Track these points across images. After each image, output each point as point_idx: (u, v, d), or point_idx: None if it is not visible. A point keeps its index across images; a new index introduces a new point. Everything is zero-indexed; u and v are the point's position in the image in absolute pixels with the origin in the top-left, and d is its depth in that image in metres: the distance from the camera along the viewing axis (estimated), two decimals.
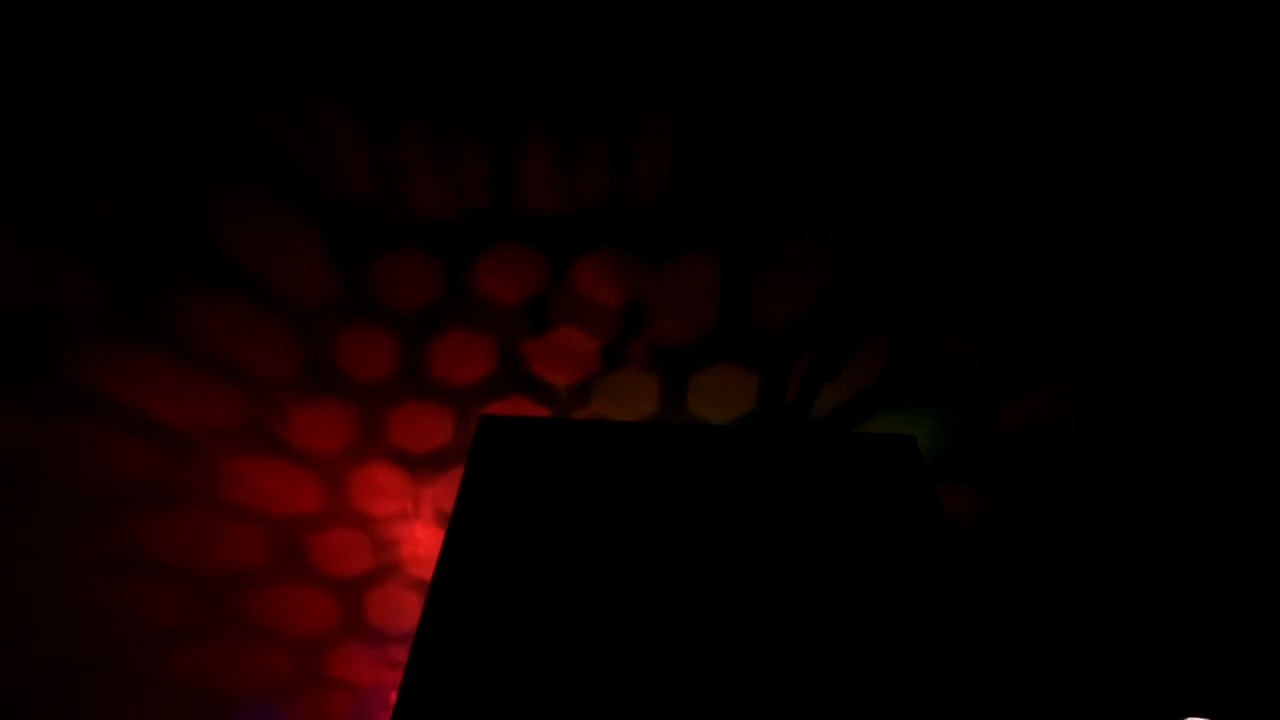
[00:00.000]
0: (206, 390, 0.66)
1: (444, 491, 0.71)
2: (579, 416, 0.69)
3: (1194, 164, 0.57)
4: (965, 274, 0.61)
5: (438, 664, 0.49)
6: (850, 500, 0.56)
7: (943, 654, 0.49)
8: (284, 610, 0.75)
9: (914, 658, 0.48)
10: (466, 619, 0.50)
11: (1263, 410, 0.65)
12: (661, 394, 0.68)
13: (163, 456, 0.68)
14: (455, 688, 0.48)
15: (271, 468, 0.69)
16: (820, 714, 0.46)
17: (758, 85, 0.56)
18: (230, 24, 0.54)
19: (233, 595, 0.74)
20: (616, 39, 0.55)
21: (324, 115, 0.57)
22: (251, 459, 0.69)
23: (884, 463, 0.59)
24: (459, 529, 0.55)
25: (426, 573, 0.75)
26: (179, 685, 0.78)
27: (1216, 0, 0.53)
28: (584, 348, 0.66)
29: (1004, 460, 0.68)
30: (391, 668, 0.79)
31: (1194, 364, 0.63)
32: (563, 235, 0.62)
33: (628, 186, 0.60)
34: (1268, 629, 0.74)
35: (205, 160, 0.58)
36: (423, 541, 0.73)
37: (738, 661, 0.48)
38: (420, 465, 0.70)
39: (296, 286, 0.63)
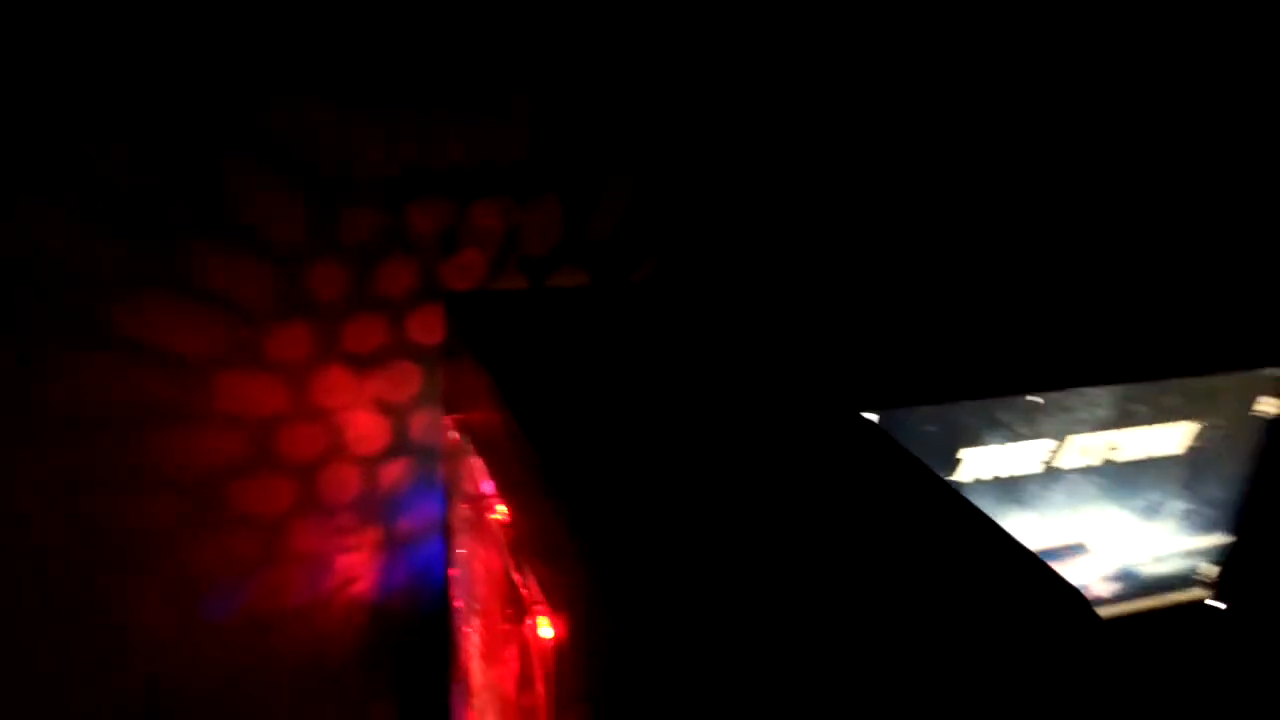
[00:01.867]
0: (203, 320, 0.88)
1: (381, 384, 0.98)
2: None
3: None
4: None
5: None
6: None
7: None
8: (256, 499, 0.97)
9: None
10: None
11: None
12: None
13: (165, 380, 0.89)
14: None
15: (252, 380, 0.92)
16: None
17: (587, 84, 0.93)
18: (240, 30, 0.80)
19: (217, 494, 0.95)
20: (500, 50, 0.89)
21: (305, 105, 0.84)
22: (237, 374, 0.91)
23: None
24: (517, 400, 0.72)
25: (366, 450, 1.01)
26: (169, 578, 0.96)
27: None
28: (478, 262, 0.98)
29: None
30: (338, 533, 1.03)
31: None
32: (465, 186, 0.93)
33: (505, 150, 0.94)
34: None
35: (205, 133, 0.82)
36: (363, 424, 0.99)
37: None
38: (364, 364, 0.97)
39: (277, 232, 0.88)
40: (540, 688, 0.64)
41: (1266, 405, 1.29)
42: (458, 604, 0.88)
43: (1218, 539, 1.36)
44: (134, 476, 0.91)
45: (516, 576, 0.67)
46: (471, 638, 0.84)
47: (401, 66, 0.87)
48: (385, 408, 1.00)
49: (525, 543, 0.68)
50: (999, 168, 1.19)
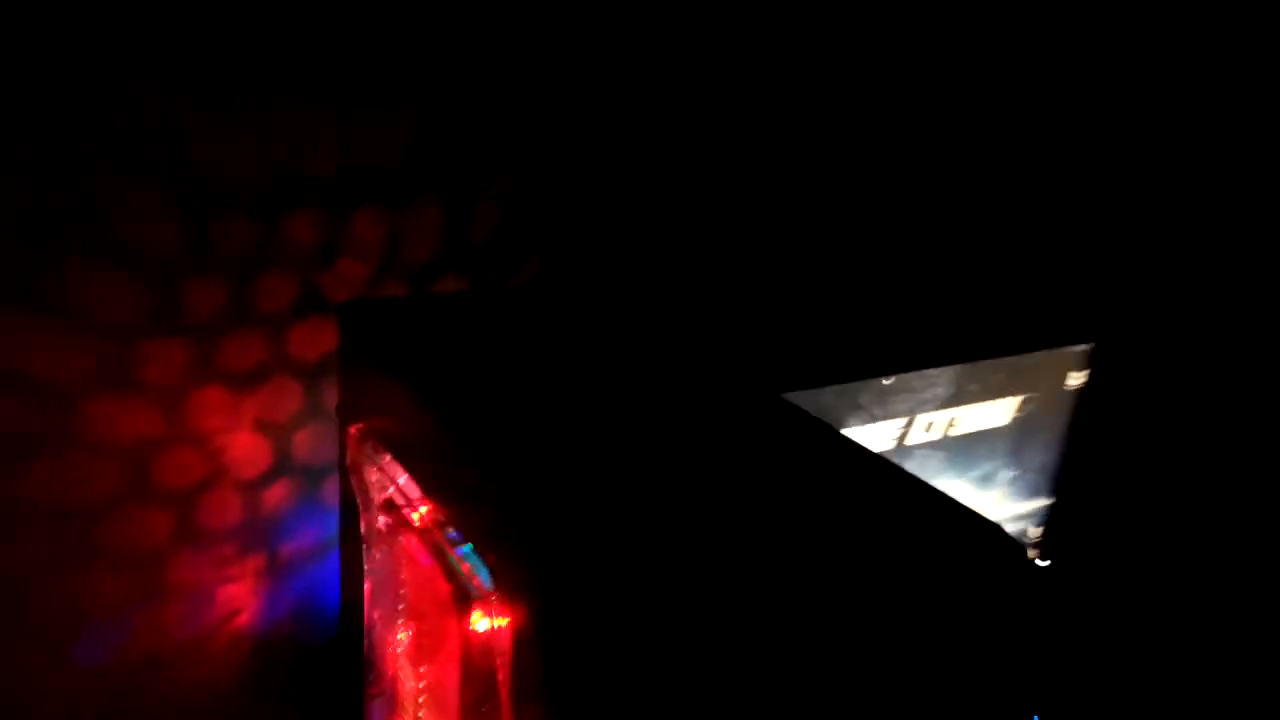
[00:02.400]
0: (71, 341, 0.83)
1: (261, 402, 0.95)
2: None
3: None
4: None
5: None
6: None
7: None
8: (129, 532, 0.91)
9: None
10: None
11: None
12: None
13: (28, 408, 0.82)
14: None
15: (123, 403, 0.87)
16: None
17: (468, 87, 0.94)
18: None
19: (86, 529, 0.88)
20: (380, 51, 0.89)
21: (178, 104, 0.81)
22: (106, 398, 0.86)
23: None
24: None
25: (249, 473, 0.97)
26: (37, 621, 0.88)
27: None
28: (357, 272, 0.96)
29: None
30: (219, 564, 0.98)
31: None
32: (342, 194, 0.92)
33: (382, 159, 0.93)
34: None
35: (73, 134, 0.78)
36: (244, 446, 0.95)
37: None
38: (243, 383, 0.93)
39: (150, 245, 0.84)
40: (499, 677, 0.65)
41: (1074, 378, 1.45)
42: (374, 616, 0.86)
43: (1041, 503, 1.52)
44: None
45: (459, 570, 0.67)
46: (395, 648, 0.82)
47: (277, 67, 0.85)
48: (266, 427, 0.96)
49: (464, 538, 0.68)
50: (847, 170, 1.28)
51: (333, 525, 1.03)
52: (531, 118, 1.01)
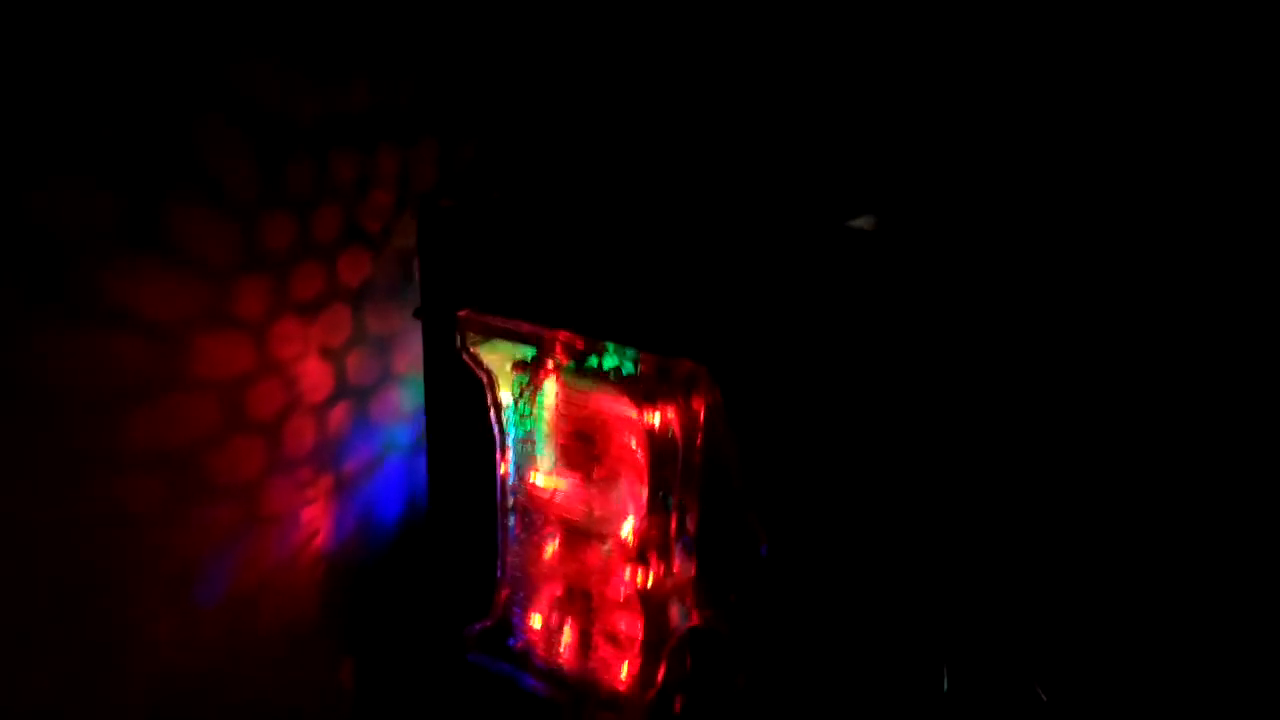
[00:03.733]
0: (176, 281, 0.88)
1: (322, 329, 1.03)
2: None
3: None
4: None
5: None
6: None
7: None
8: (231, 466, 0.96)
9: None
10: None
11: None
12: None
13: (148, 350, 0.86)
14: None
15: (223, 340, 0.93)
16: None
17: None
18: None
19: (196, 467, 0.93)
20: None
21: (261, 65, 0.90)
22: (210, 335, 0.91)
23: None
24: None
25: (316, 398, 1.04)
26: (161, 566, 0.91)
27: None
28: (387, 201, 1.07)
29: None
30: (299, 488, 1.04)
31: None
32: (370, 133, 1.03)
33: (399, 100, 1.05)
34: None
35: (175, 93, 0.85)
36: (312, 373, 1.03)
37: None
38: (308, 311, 1.01)
39: (232, 186, 0.90)
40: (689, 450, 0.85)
41: None
42: (521, 469, 0.98)
43: None
44: (117, 457, 0.87)
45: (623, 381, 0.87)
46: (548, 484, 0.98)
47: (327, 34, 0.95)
48: (327, 352, 1.04)
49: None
50: None
51: (378, 442, 1.13)
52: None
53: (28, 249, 0.77)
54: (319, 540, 1.09)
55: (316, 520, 1.08)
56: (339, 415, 1.08)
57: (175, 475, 0.92)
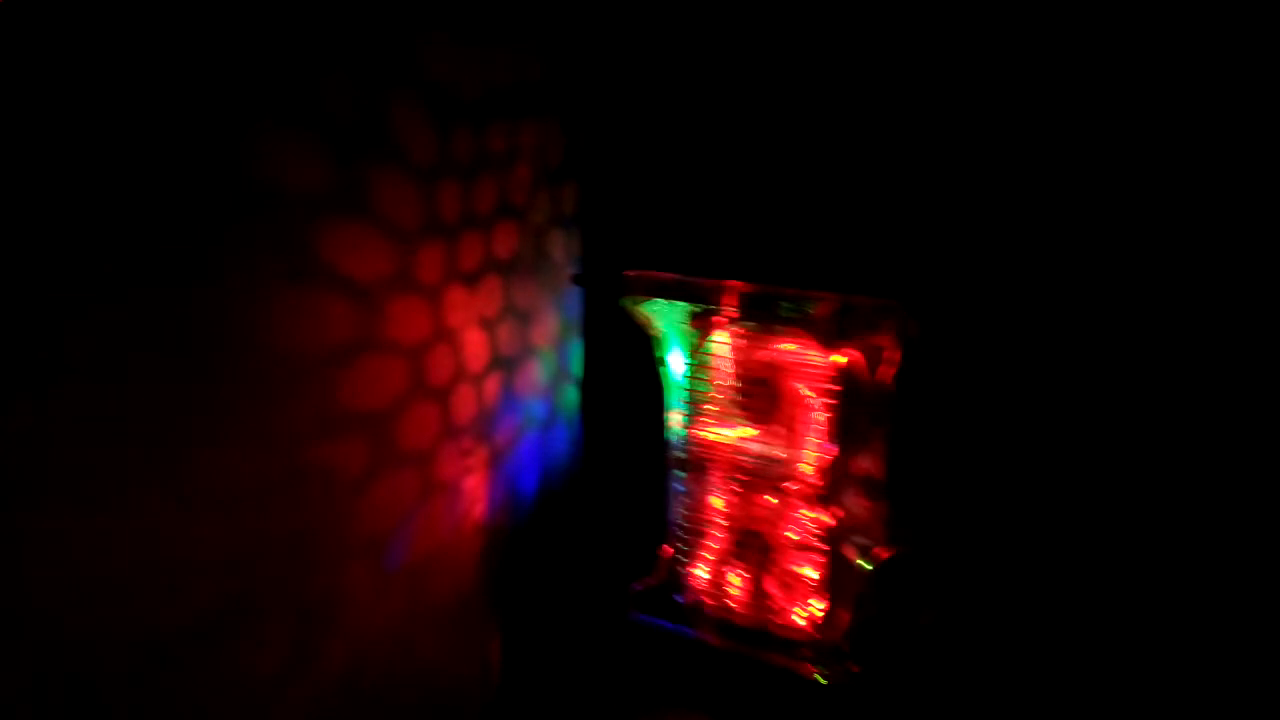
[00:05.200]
0: (378, 247, 0.90)
1: (481, 299, 1.05)
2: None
3: None
4: None
5: None
6: None
7: None
8: (414, 431, 0.97)
9: None
10: None
11: None
12: None
13: (353, 312, 0.88)
14: None
15: (410, 304, 0.94)
16: None
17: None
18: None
19: (388, 429, 0.94)
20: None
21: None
22: (399, 299, 0.93)
23: None
24: None
25: (476, 367, 1.06)
26: (361, 532, 0.92)
27: None
28: (526, 176, 1.10)
29: None
30: (463, 456, 1.05)
31: None
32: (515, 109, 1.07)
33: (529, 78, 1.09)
34: None
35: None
36: (474, 342, 1.05)
37: None
38: (471, 281, 1.03)
39: (418, 156, 0.93)
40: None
41: None
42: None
43: None
44: (326, 418, 0.88)
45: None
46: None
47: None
48: (484, 322, 1.07)
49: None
50: None
51: (519, 414, 1.16)
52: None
53: (258, 199, 0.79)
54: (478, 510, 1.10)
55: (476, 490, 1.09)
56: (492, 386, 1.10)
57: (372, 439, 0.93)
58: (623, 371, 1.19)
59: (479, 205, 1.03)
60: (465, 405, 1.06)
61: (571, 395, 1.27)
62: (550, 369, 1.21)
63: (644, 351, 1.04)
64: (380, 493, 0.95)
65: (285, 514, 0.85)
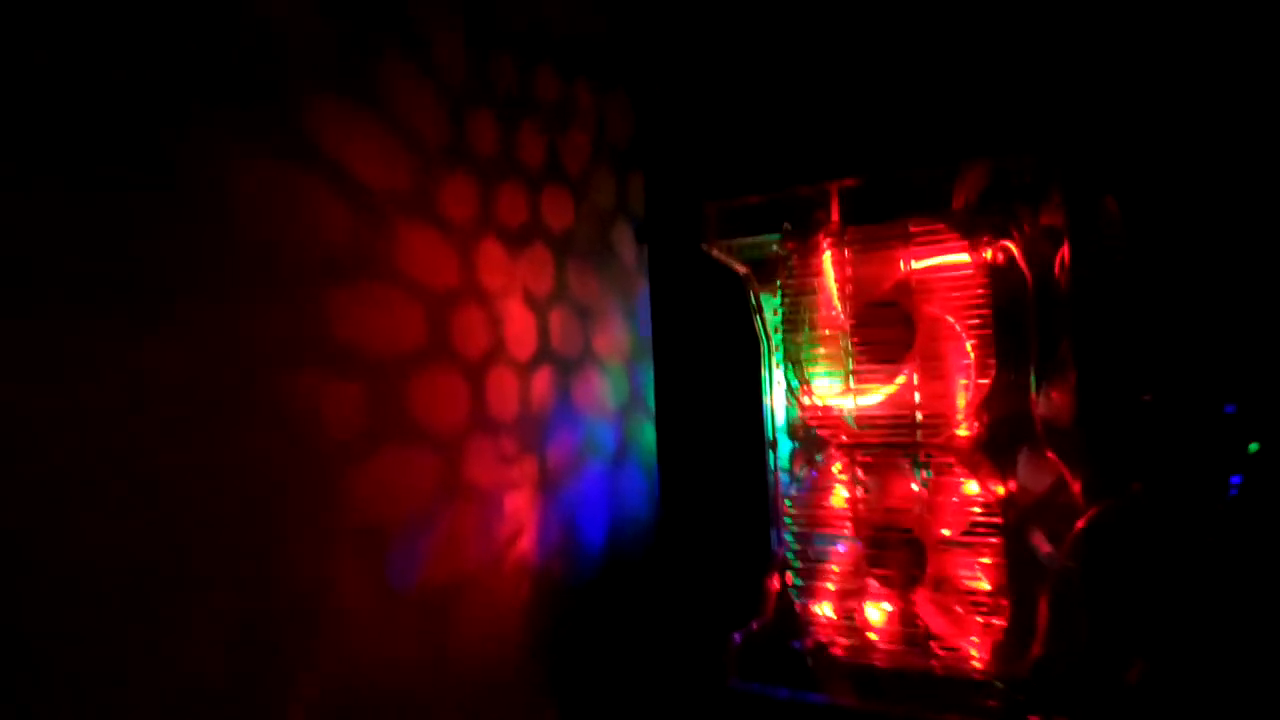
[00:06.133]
0: (389, 151, 0.73)
1: (527, 270, 0.85)
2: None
3: None
4: None
5: None
6: None
7: None
8: (430, 397, 0.75)
9: None
10: None
11: None
12: None
13: (352, 216, 0.70)
14: None
15: (427, 236, 0.76)
16: None
17: None
18: None
19: (394, 384, 0.72)
20: None
21: None
22: (414, 224, 0.75)
23: None
24: None
25: (521, 354, 0.84)
26: (353, 518, 0.68)
27: None
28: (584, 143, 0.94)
29: None
30: (502, 462, 0.81)
31: None
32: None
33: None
34: None
35: None
36: (516, 317, 0.84)
37: None
38: (513, 241, 0.84)
39: (445, 64, 0.78)
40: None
41: None
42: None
43: None
44: (315, 347, 0.67)
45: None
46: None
47: None
48: (531, 300, 0.86)
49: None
50: None
51: (580, 434, 0.92)
52: None
53: (244, 68, 0.63)
54: (523, 543, 0.84)
55: (520, 513, 0.84)
56: (542, 384, 0.87)
57: (372, 391, 0.71)
58: (705, 396, 0.96)
59: (523, 151, 0.87)
60: (505, 396, 0.83)
61: (648, 433, 1.03)
62: (620, 391, 0.98)
63: (729, 362, 0.82)
64: (383, 470, 0.72)
65: (234, 450, 0.62)
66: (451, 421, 0.78)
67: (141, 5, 0.58)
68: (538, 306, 0.88)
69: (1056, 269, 0.68)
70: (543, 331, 0.88)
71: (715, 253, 0.80)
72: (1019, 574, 0.69)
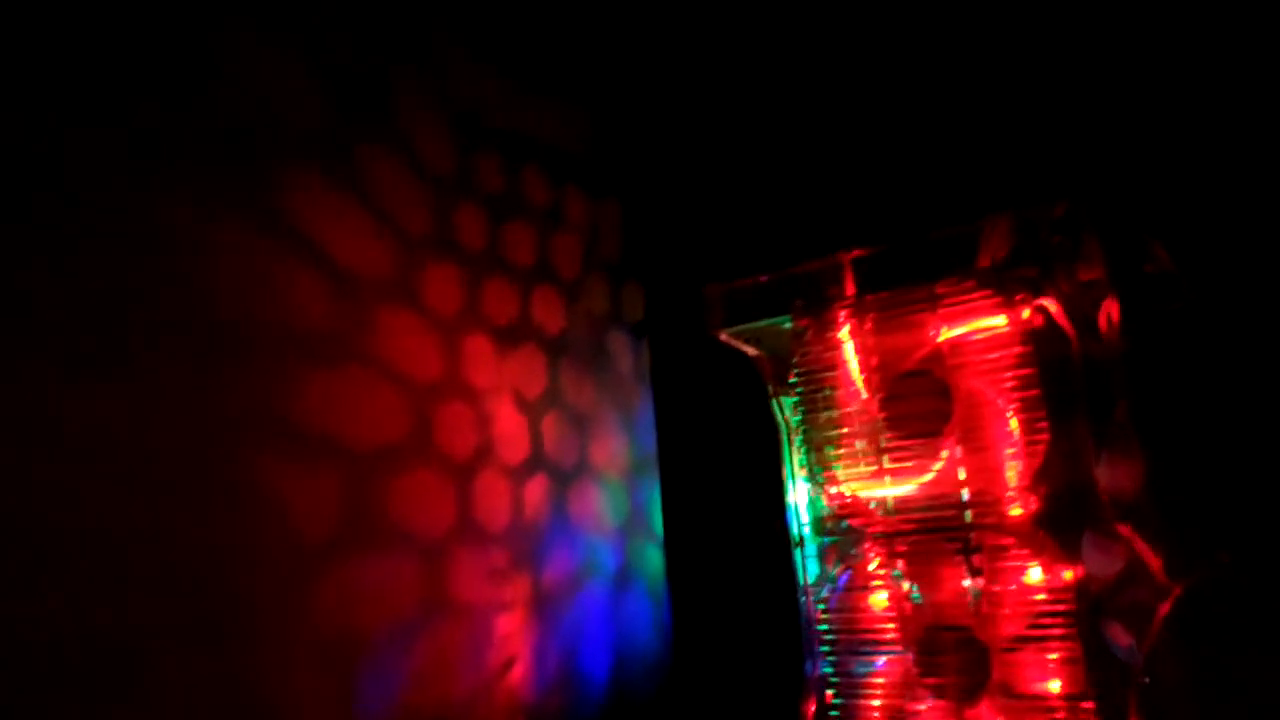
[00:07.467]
0: (372, 236, 0.68)
1: (517, 370, 0.79)
2: None
3: None
4: None
5: None
6: None
7: None
8: (414, 502, 0.66)
9: None
10: None
11: None
12: None
13: (332, 299, 0.63)
14: None
15: (410, 324, 0.69)
16: None
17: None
18: None
19: (376, 483, 0.63)
20: None
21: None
22: (397, 312, 0.68)
23: None
24: None
25: (512, 458, 0.76)
26: (318, 625, 0.57)
27: None
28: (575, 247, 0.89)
29: None
30: (492, 577, 0.71)
31: None
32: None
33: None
34: None
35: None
36: (506, 418, 0.76)
37: None
38: (502, 337, 0.78)
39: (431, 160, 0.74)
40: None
41: None
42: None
43: None
44: (287, 430, 0.60)
45: None
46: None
47: None
48: (521, 402, 0.79)
49: None
50: None
51: (578, 553, 0.83)
52: None
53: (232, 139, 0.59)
54: (517, 673, 0.73)
55: (512, 639, 0.73)
56: (535, 492, 0.79)
57: (347, 483, 0.62)
58: (718, 500, 0.88)
59: (512, 250, 0.82)
60: (496, 503, 0.75)
61: (653, 557, 0.93)
62: (620, 509, 0.89)
63: (743, 457, 0.75)
64: (357, 573, 0.62)
65: (186, 515, 0.53)
66: (434, 526, 0.69)
67: (140, 71, 0.55)
68: (529, 409, 0.80)
69: (1103, 324, 0.62)
70: (535, 436, 0.80)
71: (723, 337, 0.73)
72: (1097, 666, 0.59)
